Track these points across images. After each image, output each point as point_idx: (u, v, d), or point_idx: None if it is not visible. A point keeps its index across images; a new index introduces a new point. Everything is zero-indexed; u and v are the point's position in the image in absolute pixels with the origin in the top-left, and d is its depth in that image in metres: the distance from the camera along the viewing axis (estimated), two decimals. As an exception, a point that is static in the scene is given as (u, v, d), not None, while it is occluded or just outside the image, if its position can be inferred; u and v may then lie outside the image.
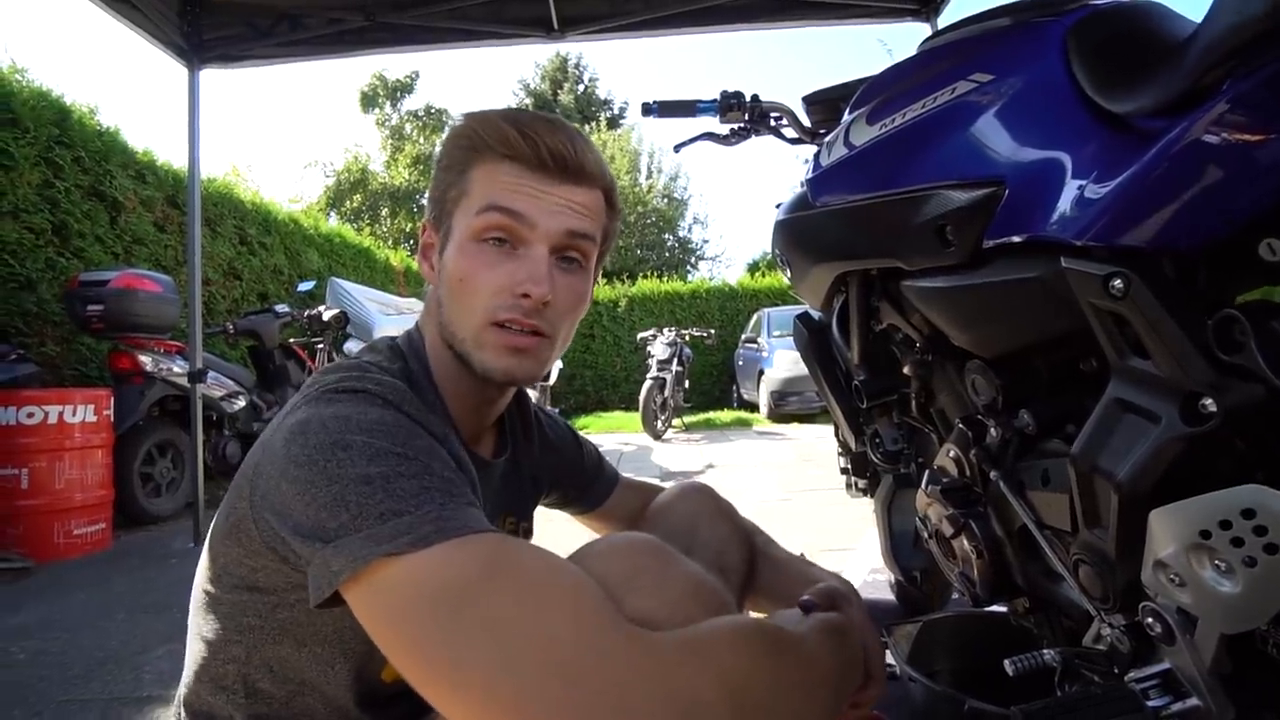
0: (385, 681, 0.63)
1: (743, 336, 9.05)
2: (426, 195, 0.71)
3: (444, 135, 0.69)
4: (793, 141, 1.36)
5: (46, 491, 2.54)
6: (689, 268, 18.72)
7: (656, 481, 1.04)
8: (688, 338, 7.47)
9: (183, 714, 0.63)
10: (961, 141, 0.73)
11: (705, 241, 20.48)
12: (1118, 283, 0.55)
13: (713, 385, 9.73)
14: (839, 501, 2.08)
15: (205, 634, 0.60)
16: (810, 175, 1.04)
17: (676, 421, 6.99)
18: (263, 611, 0.57)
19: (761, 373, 7.55)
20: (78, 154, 3.42)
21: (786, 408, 7.09)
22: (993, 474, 0.79)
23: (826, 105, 1.25)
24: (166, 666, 1.57)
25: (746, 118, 1.34)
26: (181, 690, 0.64)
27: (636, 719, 0.40)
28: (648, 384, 6.34)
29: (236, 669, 0.59)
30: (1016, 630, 0.93)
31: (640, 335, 7.63)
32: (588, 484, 0.94)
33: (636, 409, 6.46)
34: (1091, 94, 0.60)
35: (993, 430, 0.80)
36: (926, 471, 0.96)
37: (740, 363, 8.86)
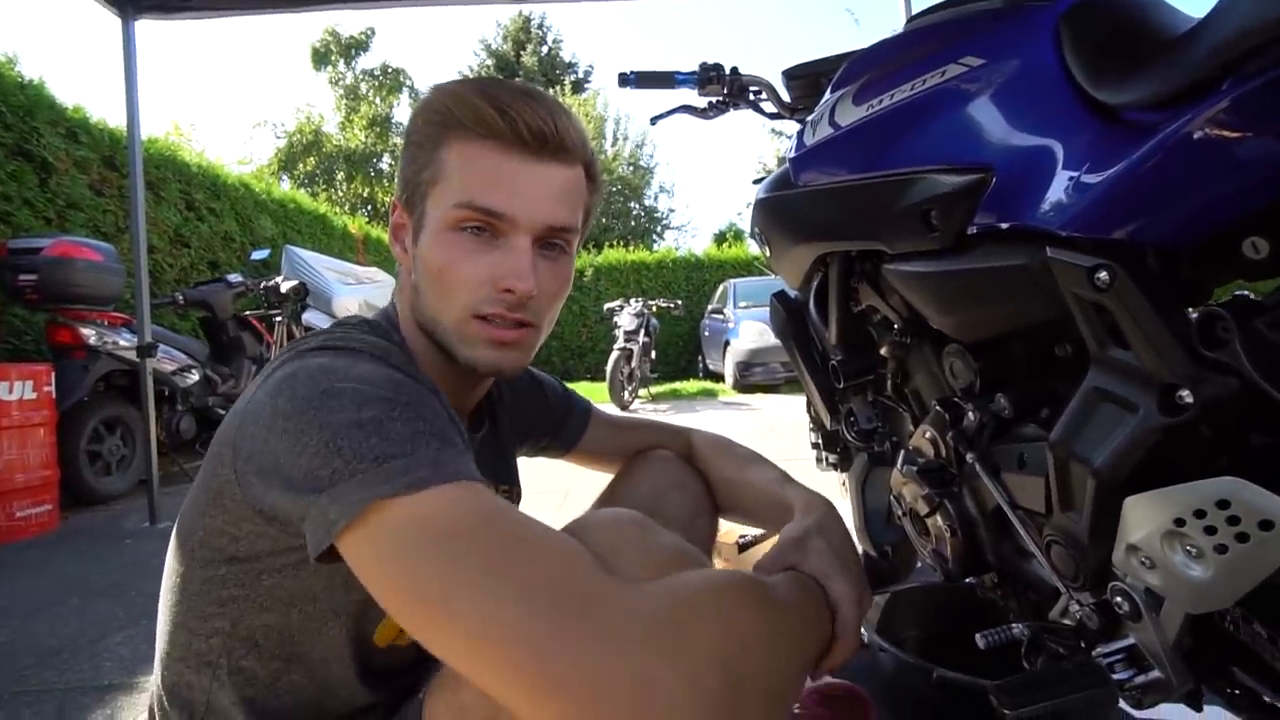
0: (379, 646, 0.62)
1: (709, 307, 9.08)
2: (397, 172, 0.67)
3: (413, 108, 0.65)
4: (771, 116, 1.34)
5: (-15, 473, 2.42)
6: (655, 237, 18.63)
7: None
8: (655, 308, 7.46)
9: (162, 697, 0.61)
10: (950, 126, 0.72)
11: (671, 211, 20.48)
12: (1103, 275, 0.55)
13: (679, 356, 9.78)
14: (805, 473, 2.12)
15: (182, 611, 0.59)
16: (793, 154, 1.02)
17: (643, 392, 7.01)
18: (245, 581, 0.56)
19: (727, 343, 7.60)
20: (-2, 108, 3.17)
21: (751, 378, 7.18)
22: (968, 455, 0.81)
23: (807, 81, 1.22)
24: (128, 652, 1.52)
25: (725, 91, 1.31)
26: (157, 671, 0.62)
27: (634, 648, 0.39)
28: (614, 354, 6.33)
29: (221, 641, 0.58)
30: (982, 602, 0.97)
31: (607, 305, 7.58)
32: (559, 424, 0.93)
33: (603, 379, 6.46)
34: (1084, 84, 0.60)
35: (969, 413, 0.81)
36: (902, 451, 0.97)
37: (706, 333, 8.91)
